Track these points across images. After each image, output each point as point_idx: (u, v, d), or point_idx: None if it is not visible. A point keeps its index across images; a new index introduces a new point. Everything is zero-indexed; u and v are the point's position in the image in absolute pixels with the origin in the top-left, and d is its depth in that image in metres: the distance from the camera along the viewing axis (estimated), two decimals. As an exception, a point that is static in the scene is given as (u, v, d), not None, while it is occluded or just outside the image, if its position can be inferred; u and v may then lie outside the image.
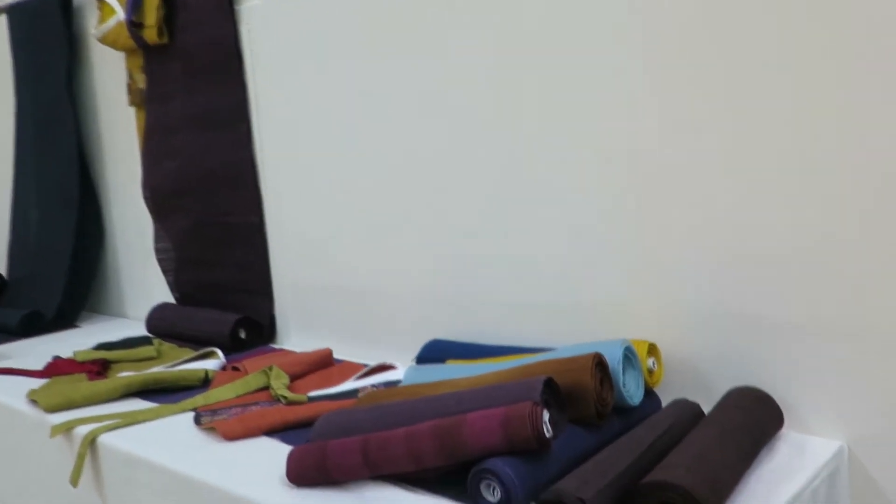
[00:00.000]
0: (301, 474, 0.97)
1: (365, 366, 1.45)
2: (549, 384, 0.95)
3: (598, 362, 0.98)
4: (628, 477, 0.86)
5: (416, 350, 1.38)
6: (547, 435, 0.87)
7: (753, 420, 0.96)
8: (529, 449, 0.87)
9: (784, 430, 1.02)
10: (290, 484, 0.98)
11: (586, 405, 0.96)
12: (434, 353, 1.33)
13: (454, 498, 0.90)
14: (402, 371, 1.34)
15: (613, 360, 1.01)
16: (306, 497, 0.95)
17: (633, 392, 1.03)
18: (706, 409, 1.03)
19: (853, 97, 0.94)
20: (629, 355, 1.04)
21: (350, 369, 1.46)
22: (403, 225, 1.47)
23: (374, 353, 1.54)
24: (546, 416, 0.87)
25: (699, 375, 1.12)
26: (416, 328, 1.46)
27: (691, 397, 1.07)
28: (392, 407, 1.01)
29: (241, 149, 1.73)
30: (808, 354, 1.02)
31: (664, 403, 1.09)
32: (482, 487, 0.87)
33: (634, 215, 1.15)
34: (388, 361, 1.42)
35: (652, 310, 1.16)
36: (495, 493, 0.86)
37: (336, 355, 1.57)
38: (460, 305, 1.40)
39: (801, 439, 1.01)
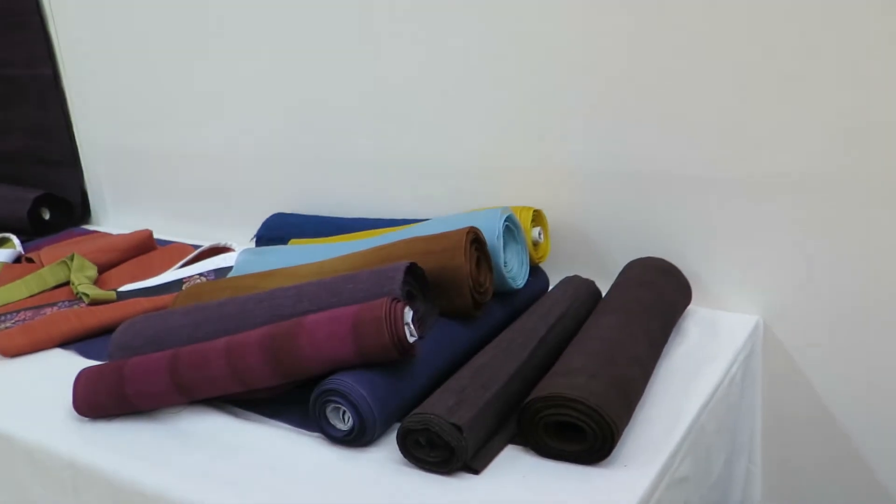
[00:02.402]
0: (92, 404, 0.74)
1: (196, 248, 1.20)
2: (413, 271, 0.74)
3: (474, 238, 0.78)
4: (516, 387, 0.68)
5: (258, 226, 1.13)
6: (410, 339, 0.66)
7: (661, 298, 0.79)
8: (388, 359, 0.66)
9: (692, 307, 0.87)
10: (80, 416, 0.74)
11: (460, 294, 0.76)
12: (277, 230, 1.09)
13: (298, 423, 0.70)
14: (234, 254, 1.10)
15: (492, 234, 0.80)
16: (95, 434, 0.72)
17: (516, 272, 0.84)
18: (603, 287, 0.86)
19: None
20: (511, 226, 0.84)
21: (177, 253, 1.20)
22: (243, 72, 1.18)
23: (212, 231, 1.29)
24: (409, 314, 0.67)
25: (592, 246, 0.94)
26: (260, 199, 1.22)
27: (584, 273, 0.89)
28: (212, 309, 0.78)
29: (20, -21, 1.35)
30: (717, 216, 0.86)
31: (552, 283, 0.91)
32: (329, 412, 0.66)
33: (510, 67, 0.93)
34: (225, 242, 1.17)
35: (533, 170, 0.95)
36: (346, 420, 0.66)
37: (165, 235, 1.30)
38: (312, 169, 1.15)
39: (711, 316, 0.86)
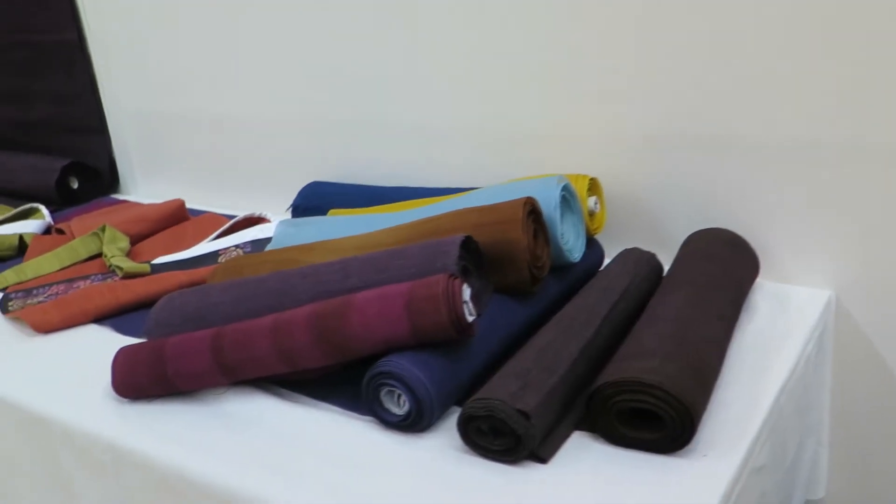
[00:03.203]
0: (131, 384, 0.71)
1: (230, 218, 1.15)
2: (467, 245, 0.69)
3: (531, 210, 0.73)
4: (581, 369, 0.63)
5: (294, 195, 1.09)
6: (469, 318, 0.62)
7: (729, 272, 0.74)
8: (445, 339, 0.62)
9: (759, 280, 0.82)
10: (119, 397, 0.71)
11: (517, 269, 0.71)
12: (314, 199, 1.05)
13: (349, 405, 0.66)
14: (272, 225, 1.05)
15: (548, 204, 0.76)
16: (136, 415, 0.69)
17: (572, 244, 0.79)
18: (663, 259, 0.81)
19: None
20: (567, 196, 0.79)
21: (210, 224, 1.16)
22: (278, 35, 1.12)
23: (244, 200, 1.25)
24: (467, 292, 0.62)
25: (649, 216, 0.89)
26: (295, 167, 1.17)
27: (641, 245, 0.84)
28: (253, 285, 0.74)
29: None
30: (785, 183, 0.80)
31: (608, 255, 0.87)
32: (384, 396, 0.63)
33: (562, 25, 0.87)
34: (259, 212, 1.13)
35: (586, 135, 0.90)
36: (402, 404, 0.62)
37: (196, 205, 1.26)
38: (350, 136, 1.11)
39: (780, 290, 0.81)
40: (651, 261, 0.80)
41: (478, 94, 0.96)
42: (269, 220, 1.09)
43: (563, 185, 0.78)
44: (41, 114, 1.44)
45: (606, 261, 0.87)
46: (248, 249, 1.00)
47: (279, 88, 1.15)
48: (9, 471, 0.80)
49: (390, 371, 0.61)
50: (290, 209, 1.07)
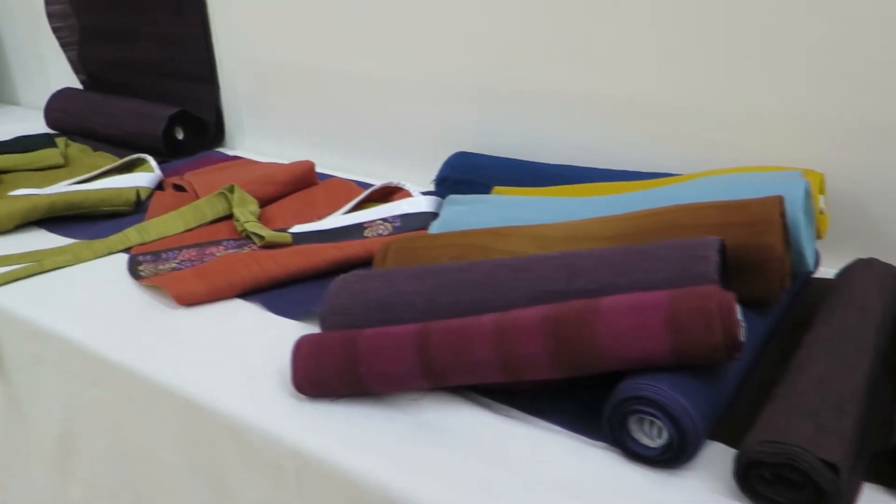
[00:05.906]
0: (315, 380, 0.62)
1: (363, 187, 1.05)
2: (722, 250, 0.59)
3: (783, 212, 0.63)
4: (866, 409, 0.54)
5: (431, 166, 0.99)
6: (742, 339, 0.53)
7: None
8: (711, 362, 0.53)
9: None
10: (298, 394, 0.63)
11: (766, 279, 0.61)
12: (465, 172, 0.95)
13: (573, 426, 0.57)
14: (422, 199, 0.95)
15: (793, 204, 0.65)
16: (323, 418, 0.61)
17: (807, 250, 0.69)
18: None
19: None
20: (806, 197, 0.69)
21: (342, 190, 1.07)
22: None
23: (368, 166, 1.15)
24: (739, 309, 0.53)
25: (873, 220, 0.79)
26: (434, 133, 1.07)
27: (861, 253, 0.74)
28: (450, 274, 0.64)
29: None
30: None
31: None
32: (632, 423, 0.53)
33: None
34: (397, 182, 1.03)
35: (805, 121, 0.79)
36: (658, 435, 0.53)
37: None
38: (501, 100, 1.00)
39: None
40: (895, 274, 0.70)
41: (671, 69, 0.85)
42: (410, 192, 0.99)
43: (805, 182, 0.68)
44: (144, 55, 1.34)
45: (823, 268, 0.77)
46: (398, 224, 0.91)
47: (421, 48, 1.04)
48: (148, 462, 0.72)
49: (648, 397, 0.52)
50: (435, 181, 0.97)
